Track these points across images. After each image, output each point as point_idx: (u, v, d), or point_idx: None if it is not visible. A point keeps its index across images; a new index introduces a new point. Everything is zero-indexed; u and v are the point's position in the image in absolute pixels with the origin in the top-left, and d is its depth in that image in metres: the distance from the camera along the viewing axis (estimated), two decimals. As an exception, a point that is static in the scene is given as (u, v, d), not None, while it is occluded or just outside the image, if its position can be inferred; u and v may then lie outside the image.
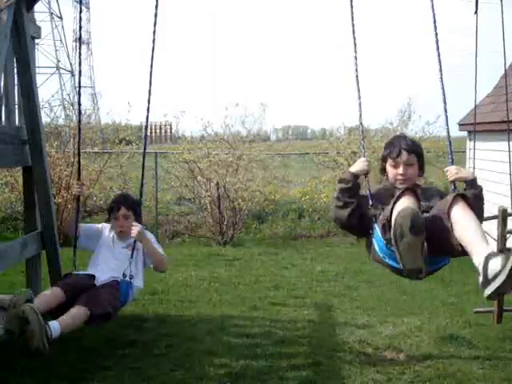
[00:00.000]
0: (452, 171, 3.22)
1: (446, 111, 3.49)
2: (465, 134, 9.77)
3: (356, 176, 3.33)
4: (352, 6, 4.15)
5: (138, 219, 4.25)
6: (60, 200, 9.45)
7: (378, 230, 3.03)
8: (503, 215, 5.52)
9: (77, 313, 3.66)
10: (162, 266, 4.30)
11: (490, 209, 6.60)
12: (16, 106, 5.38)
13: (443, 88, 3.40)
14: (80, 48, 5.10)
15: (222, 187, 10.20)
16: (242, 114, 10.70)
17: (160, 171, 10.86)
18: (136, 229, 4.01)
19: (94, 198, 10.29)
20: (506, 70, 5.85)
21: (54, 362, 4.30)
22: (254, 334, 5.05)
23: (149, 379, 4.04)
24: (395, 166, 3.38)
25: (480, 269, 2.78)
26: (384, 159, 3.48)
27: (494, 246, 2.86)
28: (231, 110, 10.47)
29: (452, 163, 3.30)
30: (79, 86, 4.65)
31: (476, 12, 5.15)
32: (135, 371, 4.17)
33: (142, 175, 4.55)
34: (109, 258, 4.26)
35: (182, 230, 10.76)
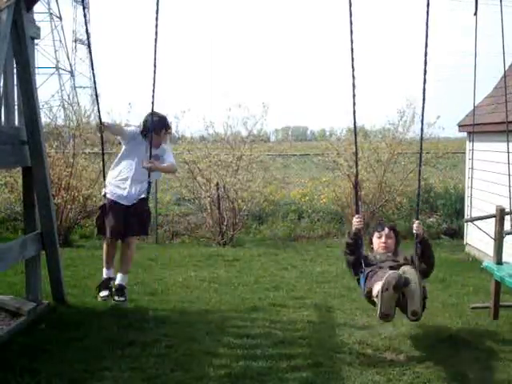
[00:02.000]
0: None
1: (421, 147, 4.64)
2: (464, 134, 9.77)
3: (356, 233, 4.64)
4: (351, 5, 4.18)
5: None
6: (60, 200, 9.44)
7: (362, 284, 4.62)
8: (501, 215, 5.53)
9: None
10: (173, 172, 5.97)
11: (489, 209, 6.63)
12: (16, 106, 5.38)
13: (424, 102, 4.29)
14: (89, 47, 5.64)
15: (221, 188, 10.20)
16: (244, 114, 10.67)
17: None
18: (149, 165, 5.04)
19: (94, 199, 10.27)
20: (505, 71, 5.86)
21: (54, 362, 4.30)
22: (253, 334, 5.04)
23: (149, 379, 4.03)
24: (379, 237, 4.85)
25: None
26: (371, 235, 4.94)
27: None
28: (234, 110, 10.45)
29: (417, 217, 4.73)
30: (95, 89, 5.11)
31: (476, 13, 5.16)
32: (135, 371, 4.16)
33: (149, 175, 5.13)
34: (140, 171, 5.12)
35: (181, 231, 10.76)
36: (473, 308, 5.66)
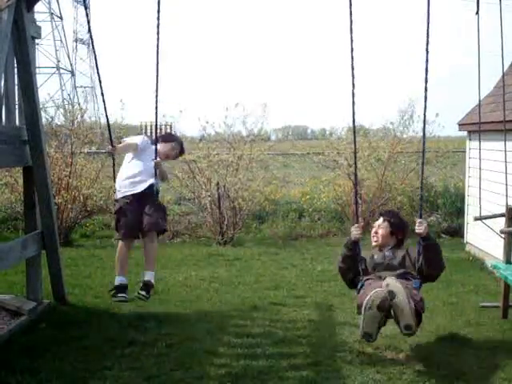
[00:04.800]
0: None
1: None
2: (464, 133, 9.76)
3: (355, 242, 4.39)
4: (351, 6, 4.19)
5: None
6: (60, 200, 9.45)
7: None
8: (510, 214, 5.54)
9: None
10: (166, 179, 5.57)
11: (490, 208, 6.64)
12: (16, 106, 5.38)
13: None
14: (92, 46, 5.47)
15: (222, 187, 10.20)
16: (244, 113, 10.67)
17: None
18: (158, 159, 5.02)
19: (94, 198, 10.28)
20: (503, 71, 5.86)
21: (54, 362, 4.31)
22: (254, 333, 5.05)
23: (149, 379, 4.04)
24: (373, 229, 4.63)
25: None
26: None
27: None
28: (231, 110, 10.45)
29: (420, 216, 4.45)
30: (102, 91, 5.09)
31: (477, 12, 5.16)
32: (135, 371, 4.17)
33: (155, 174, 5.07)
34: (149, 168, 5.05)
35: (182, 230, 10.75)
36: (482, 307, 5.65)
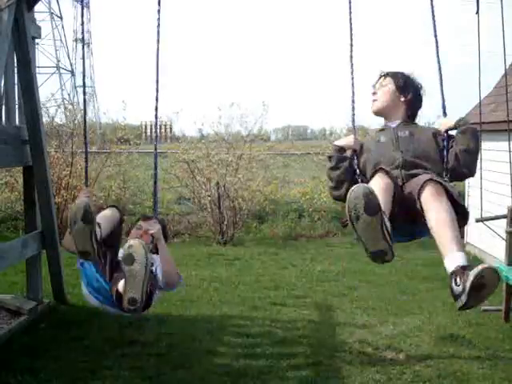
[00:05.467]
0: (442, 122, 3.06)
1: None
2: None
3: (340, 149, 3.14)
4: (350, 6, 4.18)
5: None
6: (60, 200, 9.44)
7: None
8: (512, 214, 5.53)
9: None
10: (175, 279, 3.54)
11: (490, 208, 6.64)
12: (16, 106, 5.38)
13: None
14: (85, 47, 5.22)
15: (222, 187, 10.20)
16: (243, 113, 10.69)
17: (160, 171, 10.85)
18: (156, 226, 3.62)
19: (94, 198, 10.27)
20: (505, 70, 5.86)
21: (54, 361, 4.31)
22: (254, 333, 5.05)
23: (149, 378, 4.04)
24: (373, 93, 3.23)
25: (448, 280, 2.74)
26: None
27: (459, 255, 2.81)
28: (225, 110, 10.48)
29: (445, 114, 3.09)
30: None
31: (477, 12, 5.15)
32: (135, 371, 4.17)
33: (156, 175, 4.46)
34: None
35: (182, 230, 10.75)
36: (484, 311, 5.63)
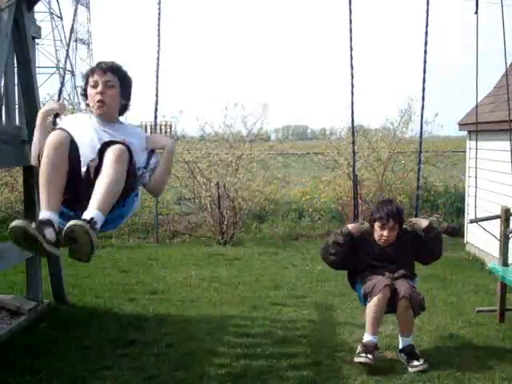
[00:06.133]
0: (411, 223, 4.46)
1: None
2: (465, 133, 9.77)
3: (350, 234, 4.33)
4: (351, 6, 4.19)
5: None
6: (60, 200, 9.44)
7: (360, 292, 4.42)
8: (506, 215, 5.51)
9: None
10: (161, 190, 3.46)
11: (490, 208, 6.64)
12: (16, 106, 5.38)
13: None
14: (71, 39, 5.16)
15: (222, 187, 10.20)
16: (243, 113, 10.68)
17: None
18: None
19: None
20: (506, 70, 5.86)
21: (54, 361, 4.31)
22: (254, 333, 5.05)
23: (149, 379, 4.04)
24: (382, 228, 4.36)
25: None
26: (373, 220, 4.42)
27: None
28: (231, 109, 10.47)
29: (416, 215, 4.58)
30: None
31: (476, 12, 5.15)
32: (135, 371, 4.17)
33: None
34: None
35: (182, 230, 10.76)
36: (478, 312, 5.61)
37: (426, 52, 4.32)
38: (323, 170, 11.69)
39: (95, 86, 3.20)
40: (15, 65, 5.27)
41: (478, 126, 6.47)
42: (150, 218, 10.69)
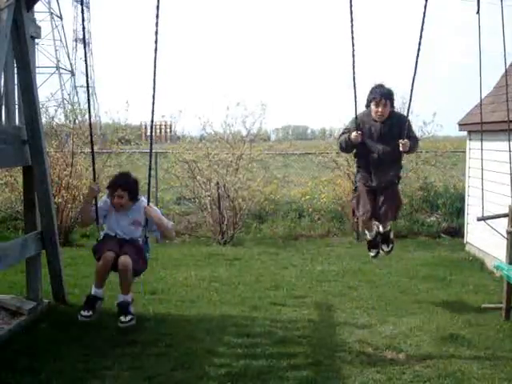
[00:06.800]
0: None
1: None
2: (465, 133, 9.76)
3: (352, 142, 5.10)
4: (351, 7, 4.19)
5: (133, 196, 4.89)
6: (60, 200, 9.44)
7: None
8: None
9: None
10: (172, 234, 5.12)
11: (490, 208, 6.63)
12: (16, 106, 5.38)
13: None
14: (85, 47, 5.26)
15: (221, 187, 10.20)
16: (243, 113, 10.68)
17: (160, 171, 10.86)
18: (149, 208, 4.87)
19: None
20: (506, 70, 5.86)
21: (54, 361, 4.31)
22: (254, 333, 5.05)
23: (149, 379, 4.04)
24: (377, 106, 5.08)
25: None
26: (369, 101, 5.17)
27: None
28: (232, 109, 10.47)
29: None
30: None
31: (478, 12, 5.15)
32: (135, 371, 4.17)
33: (149, 175, 4.99)
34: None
35: (182, 230, 10.75)
36: (483, 308, 5.63)
37: (418, 52, 4.42)
38: (323, 170, 11.68)
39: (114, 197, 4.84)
40: (15, 64, 5.26)
41: (477, 127, 6.47)
42: (150, 218, 10.67)
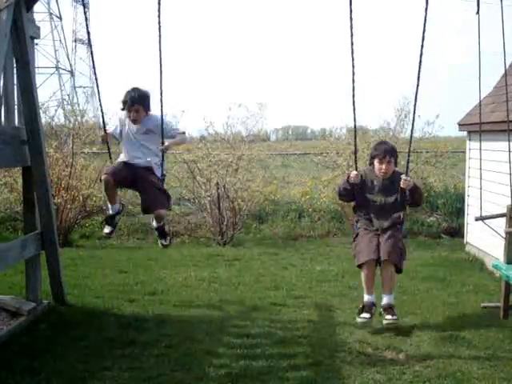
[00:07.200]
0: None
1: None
2: (464, 133, 9.76)
3: (351, 184, 5.13)
4: (351, 7, 4.20)
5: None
6: (59, 200, 9.44)
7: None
8: (511, 213, 5.53)
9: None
10: (186, 141, 6.21)
11: (490, 208, 6.63)
12: (16, 106, 5.37)
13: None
14: (90, 47, 5.43)
15: (221, 187, 10.20)
16: (244, 114, 10.69)
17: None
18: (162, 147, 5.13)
19: (94, 199, 10.27)
20: (506, 70, 5.85)
21: (54, 362, 4.30)
22: (253, 334, 5.04)
23: (149, 379, 4.03)
24: (380, 163, 5.14)
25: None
26: (372, 157, 5.24)
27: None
28: (234, 110, 10.48)
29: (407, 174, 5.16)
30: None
31: (478, 12, 5.15)
32: (135, 371, 4.16)
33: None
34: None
35: (181, 231, 10.75)
36: (483, 307, 5.64)
37: (421, 55, 4.42)
38: (323, 170, 11.69)
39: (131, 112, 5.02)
40: (14, 65, 5.26)
41: (477, 127, 6.46)
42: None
